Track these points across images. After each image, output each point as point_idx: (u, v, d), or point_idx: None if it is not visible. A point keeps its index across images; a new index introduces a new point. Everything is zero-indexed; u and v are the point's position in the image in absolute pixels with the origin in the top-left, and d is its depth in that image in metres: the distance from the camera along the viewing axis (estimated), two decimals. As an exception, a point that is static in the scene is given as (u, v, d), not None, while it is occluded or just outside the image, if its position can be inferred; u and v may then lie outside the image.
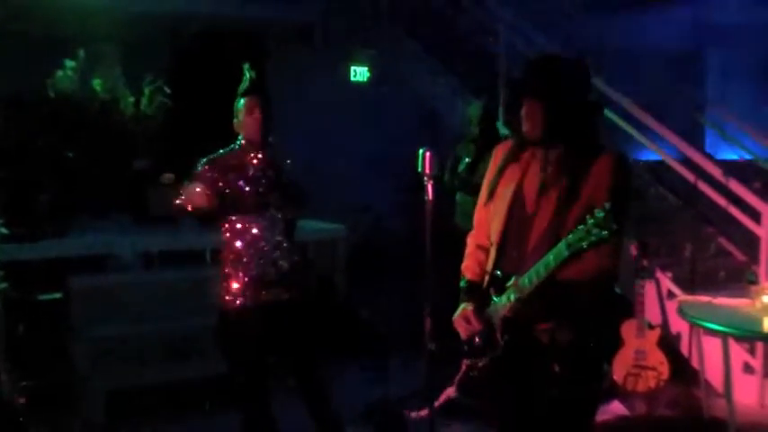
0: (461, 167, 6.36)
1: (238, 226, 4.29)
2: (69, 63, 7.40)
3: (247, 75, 4.43)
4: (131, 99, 7.58)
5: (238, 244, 4.28)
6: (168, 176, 7.16)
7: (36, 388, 5.12)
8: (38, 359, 5.47)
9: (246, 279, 4.26)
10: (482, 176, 6.29)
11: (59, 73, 7.33)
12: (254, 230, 4.29)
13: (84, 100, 7.41)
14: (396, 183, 8.72)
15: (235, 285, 4.26)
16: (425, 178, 4.30)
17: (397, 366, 5.81)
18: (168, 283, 5.99)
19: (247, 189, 4.32)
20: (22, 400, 4.70)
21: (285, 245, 4.34)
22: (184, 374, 5.64)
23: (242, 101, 4.39)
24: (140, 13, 7.86)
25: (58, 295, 5.98)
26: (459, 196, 6.50)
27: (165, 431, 5.25)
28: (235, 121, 4.38)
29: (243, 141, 4.38)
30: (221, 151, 4.39)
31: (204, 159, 4.33)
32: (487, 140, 6.46)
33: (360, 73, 10.13)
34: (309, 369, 4.41)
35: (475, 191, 6.42)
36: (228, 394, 4.38)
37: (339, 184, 8.54)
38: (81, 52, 7.43)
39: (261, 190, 4.31)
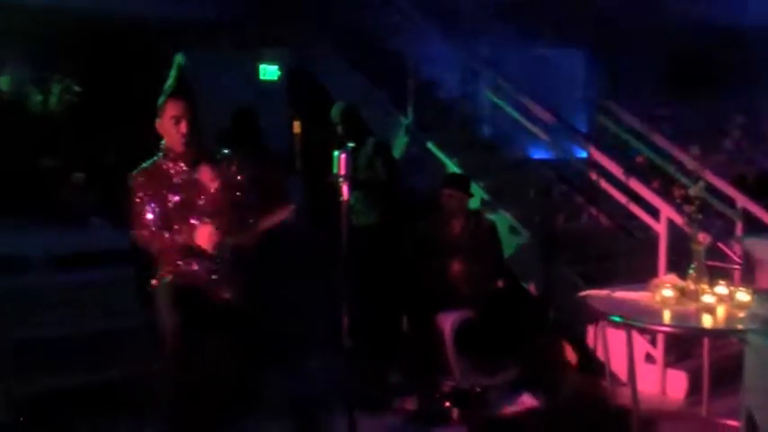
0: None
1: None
2: (-26, 61, 7.25)
3: (174, 71, 4.20)
4: (39, 98, 7.46)
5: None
6: (78, 176, 7.12)
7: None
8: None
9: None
10: (356, 170, 6.56)
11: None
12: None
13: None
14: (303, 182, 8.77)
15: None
16: (340, 179, 4.39)
17: (311, 364, 5.88)
18: (82, 285, 5.93)
19: (176, 199, 4.18)
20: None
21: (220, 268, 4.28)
22: (101, 377, 5.60)
23: (166, 102, 4.12)
24: (47, 9, 7.73)
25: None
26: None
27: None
28: (157, 121, 4.15)
29: (165, 148, 4.21)
30: (144, 165, 4.22)
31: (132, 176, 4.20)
32: (353, 137, 6.71)
33: (269, 72, 10.11)
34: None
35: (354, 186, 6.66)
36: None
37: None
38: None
39: (187, 199, 4.18)
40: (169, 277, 4.29)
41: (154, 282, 4.39)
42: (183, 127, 4.06)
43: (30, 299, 5.74)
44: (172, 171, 4.20)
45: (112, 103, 7.89)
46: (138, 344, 5.47)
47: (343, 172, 4.36)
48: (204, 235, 4.10)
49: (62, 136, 7.51)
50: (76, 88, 7.57)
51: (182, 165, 4.19)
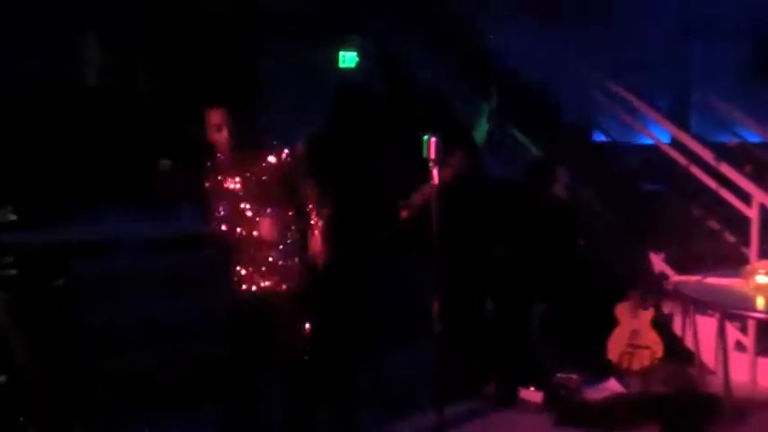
0: None
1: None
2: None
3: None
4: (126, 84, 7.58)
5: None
6: (165, 162, 7.23)
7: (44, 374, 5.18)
8: (44, 345, 5.49)
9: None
10: None
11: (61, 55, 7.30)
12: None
13: (81, 83, 7.42)
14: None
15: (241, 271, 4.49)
16: (431, 163, 4.39)
17: (400, 349, 5.91)
18: (173, 268, 6.03)
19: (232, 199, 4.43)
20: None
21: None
22: (188, 359, 5.70)
23: (207, 112, 4.34)
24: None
25: (60, 281, 6.00)
26: None
27: (172, 416, 5.30)
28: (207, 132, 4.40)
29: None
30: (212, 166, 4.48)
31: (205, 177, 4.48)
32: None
33: (348, 59, 10.12)
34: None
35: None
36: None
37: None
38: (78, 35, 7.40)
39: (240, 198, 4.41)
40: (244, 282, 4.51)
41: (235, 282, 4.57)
42: (225, 133, 4.31)
43: (119, 281, 5.85)
44: (226, 174, 4.44)
45: (200, 91, 8.00)
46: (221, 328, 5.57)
47: (433, 156, 4.36)
48: (265, 226, 4.37)
49: (149, 122, 7.61)
50: (163, 75, 7.67)
51: (232, 169, 4.42)
